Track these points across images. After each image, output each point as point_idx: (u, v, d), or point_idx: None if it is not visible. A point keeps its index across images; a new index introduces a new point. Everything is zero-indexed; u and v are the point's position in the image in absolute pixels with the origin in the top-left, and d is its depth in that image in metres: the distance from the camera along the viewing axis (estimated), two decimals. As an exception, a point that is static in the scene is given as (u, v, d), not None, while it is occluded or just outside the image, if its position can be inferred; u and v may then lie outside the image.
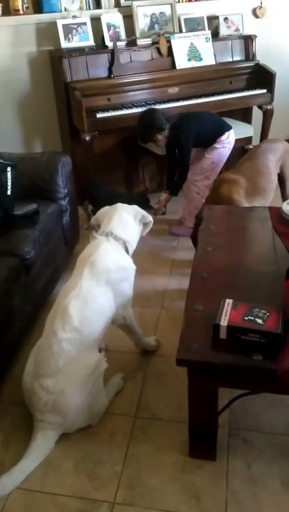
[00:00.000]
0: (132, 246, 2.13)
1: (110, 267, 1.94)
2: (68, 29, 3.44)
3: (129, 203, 2.24)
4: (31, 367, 1.93)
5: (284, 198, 3.05)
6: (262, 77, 3.80)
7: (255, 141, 3.75)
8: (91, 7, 3.62)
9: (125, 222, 2.09)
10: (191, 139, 3.11)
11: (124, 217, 2.09)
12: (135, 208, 2.17)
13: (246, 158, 2.98)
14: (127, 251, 2.07)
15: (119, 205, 2.16)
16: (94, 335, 1.89)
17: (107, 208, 2.17)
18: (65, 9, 3.50)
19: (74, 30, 3.45)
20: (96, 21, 3.50)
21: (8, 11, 3.41)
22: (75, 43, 3.47)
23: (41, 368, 1.85)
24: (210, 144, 3.20)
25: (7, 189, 2.48)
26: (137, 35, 3.57)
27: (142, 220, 2.16)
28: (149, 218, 2.19)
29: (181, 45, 3.59)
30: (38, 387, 1.82)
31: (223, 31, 3.85)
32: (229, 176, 2.79)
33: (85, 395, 1.84)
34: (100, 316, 1.91)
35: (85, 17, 3.49)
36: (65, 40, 3.44)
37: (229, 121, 3.86)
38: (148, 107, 3.44)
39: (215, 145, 3.20)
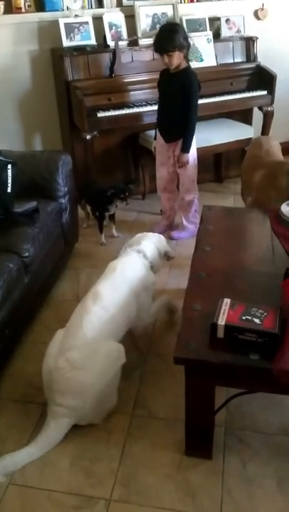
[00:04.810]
0: (157, 270, 2.34)
1: (138, 274, 2.16)
2: (70, 28, 3.44)
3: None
4: (55, 350, 1.93)
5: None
6: (263, 78, 3.82)
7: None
8: (93, 6, 3.62)
9: (152, 250, 2.32)
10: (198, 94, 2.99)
11: (151, 246, 2.32)
12: (162, 241, 2.44)
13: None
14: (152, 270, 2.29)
15: (150, 234, 2.42)
16: (117, 321, 1.99)
17: (139, 234, 2.42)
18: (67, 8, 3.50)
19: (76, 29, 3.45)
20: (98, 20, 3.51)
21: (11, 9, 3.41)
22: (77, 41, 3.47)
23: (69, 341, 1.89)
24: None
25: (7, 186, 2.48)
26: (139, 35, 3.58)
27: (165, 254, 2.42)
28: (173, 255, 2.47)
29: (182, 46, 3.60)
30: (62, 361, 1.84)
31: (225, 32, 3.86)
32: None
33: (104, 383, 1.86)
34: (124, 308, 2.03)
35: (87, 16, 3.49)
36: (66, 39, 3.44)
37: (229, 122, 3.89)
38: (149, 106, 3.45)
39: None
